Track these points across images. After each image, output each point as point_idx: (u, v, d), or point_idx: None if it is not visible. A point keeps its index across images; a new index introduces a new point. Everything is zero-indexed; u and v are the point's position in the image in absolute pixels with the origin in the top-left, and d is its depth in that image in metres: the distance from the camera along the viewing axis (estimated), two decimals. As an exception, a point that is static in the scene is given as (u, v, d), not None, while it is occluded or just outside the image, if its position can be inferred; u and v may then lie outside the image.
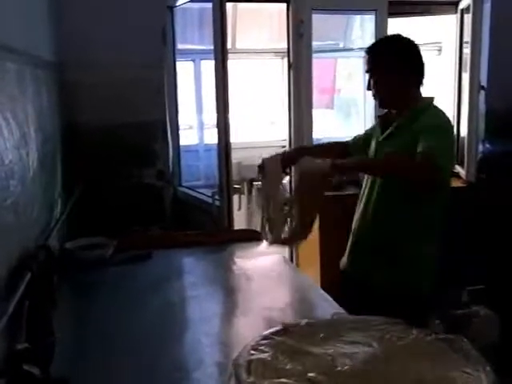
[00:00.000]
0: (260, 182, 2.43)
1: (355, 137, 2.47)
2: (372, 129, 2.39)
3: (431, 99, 2.13)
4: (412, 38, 2.13)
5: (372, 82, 2.13)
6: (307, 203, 1.96)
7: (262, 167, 2.32)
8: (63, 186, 2.73)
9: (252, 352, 1.33)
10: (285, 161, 2.33)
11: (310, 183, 1.91)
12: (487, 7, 3.57)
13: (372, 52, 2.13)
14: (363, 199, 2.24)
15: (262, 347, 1.36)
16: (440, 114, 2.09)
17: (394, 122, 2.14)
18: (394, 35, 2.18)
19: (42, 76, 2.47)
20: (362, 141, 2.38)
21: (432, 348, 1.36)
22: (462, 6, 3.70)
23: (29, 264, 1.51)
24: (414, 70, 2.09)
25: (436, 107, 2.12)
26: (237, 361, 1.30)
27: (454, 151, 2.02)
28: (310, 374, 1.24)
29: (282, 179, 2.38)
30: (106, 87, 3.09)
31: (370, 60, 2.12)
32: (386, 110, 2.24)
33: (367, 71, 2.14)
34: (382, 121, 2.23)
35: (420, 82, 2.12)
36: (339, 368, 1.26)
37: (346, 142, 2.51)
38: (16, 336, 1.27)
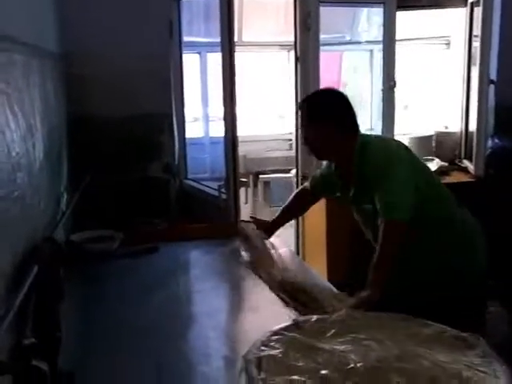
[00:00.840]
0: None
1: (313, 179, 2.39)
2: (326, 170, 2.28)
3: (360, 137, 2.08)
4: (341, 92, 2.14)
5: (304, 136, 2.11)
6: None
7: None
8: (69, 178, 2.72)
9: (262, 348, 1.31)
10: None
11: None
12: (497, 0, 3.53)
13: (306, 105, 2.10)
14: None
15: (272, 343, 1.34)
16: (380, 143, 2.08)
17: (350, 173, 2.08)
18: (327, 89, 2.23)
19: (49, 68, 2.46)
20: (322, 182, 2.31)
21: (446, 345, 1.34)
22: (471, -1, 3.67)
23: (35, 257, 1.49)
24: (344, 122, 2.05)
25: (374, 139, 2.11)
26: (247, 357, 1.28)
27: (408, 180, 1.96)
28: (323, 372, 1.22)
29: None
30: (112, 79, 3.06)
31: (303, 112, 2.09)
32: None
33: (302, 125, 2.13)
34: (337, 172, 2.17)
35: (352, 130, 2.07)
36: (352, 365, 1.24)
37: (306, 189, 2.43)
38: (23, 330, 1.25)
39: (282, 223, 2.47)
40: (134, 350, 1.60)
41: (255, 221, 2.46)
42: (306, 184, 2.44)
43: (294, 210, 2.55)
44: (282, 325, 1.42)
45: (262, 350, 1.30)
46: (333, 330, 1.40)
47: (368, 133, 3.84)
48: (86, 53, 2.99)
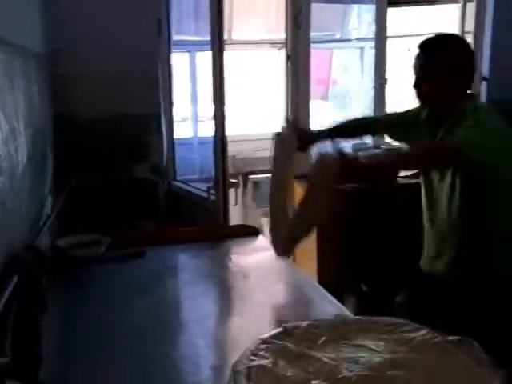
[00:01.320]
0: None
1: (388, 115, 2.34)
2: (411, 114, 2.21)
3: (474, 101, 2.01)
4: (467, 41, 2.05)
5: (418, 80, 2.00)
6: (316, 198, 1.84)
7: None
8: (54, 181, 2.67)
9: (252, 358, 1.27)
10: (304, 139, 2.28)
11: (323, 178, 1.80)
12: (490, -3, 3.53)
13: (427, 51, 1.98)
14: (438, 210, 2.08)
15: (261, 352, 1.29)
16: (483, 116, 1.93)
17: (440, 126, 2.01)
18: (452, 36, 2.08)
19: (33, 68, 2.41)
20: (401, 118, 2.26)
21: (439, 350, 1.30)
22: (465, -5, 3.64)
23: (16, 265, 1.44)
24: (466, 78, 1.99)
25: (483, 109, 2.00)
26: (236, 367, 1.24)
27: (494, 141, 1.86)
28: (314, 382, 1.17)
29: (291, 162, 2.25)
30: (98, 79, 3.02)
31: (423, 59, 1.98)
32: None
33: (415, 67, 2.00)
34: (429, 122, 2.09)
35: (467, 89, 2.01)
36: (344, 374, 1.20)
37: (370, 118, 2.39)
38: (2, 346, 1.20)
39: (327, 136, 2.35)
40: (121, 357, 1.55)
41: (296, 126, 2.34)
42: (370, 117, 2.36)
43: (354, 128, 2.44)
44: (272, 332, 1.38)
45: (252, 360, 1.26)
46: (324, 337, 1.36)
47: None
48: (71, 52, 2.95)
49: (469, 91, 2.01)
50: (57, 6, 2.86)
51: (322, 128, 2.36)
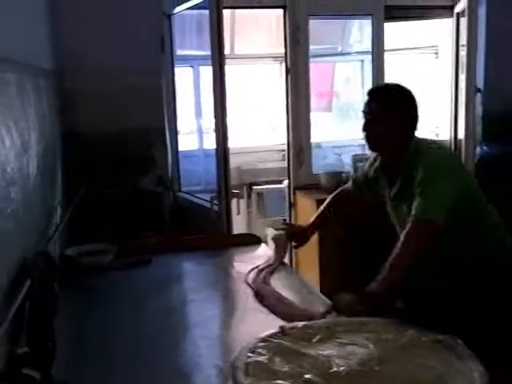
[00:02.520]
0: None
1: (355, 179, 2.48)
2: (368, 169, 2.36)
3: (421, 139, 2.13)
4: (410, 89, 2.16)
5: (367, 124, 2.13)
6: None
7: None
8: (64, 192, 2.76)
9: (249, 354, 1.36)
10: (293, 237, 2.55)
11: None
12: (482, 11, 3.61)
13: (375, 97, 2.14)
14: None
15: (259, 350, 1.38)
16: (433, 151, 2.08)
17: (396, 173, 2.13)
18: (397, 84, 2.20)
19: (43, 85, 2.50)
20: (365, 179, 2.39)
21: (427, 348, 1.38)
22: (457, 9, 3.73)
23: (28, 271, 1.53)
24: (411, 121, 2.11)
25: (429, 144, 2.12)
26: (234, 363, 1.33)
27: (453, 187, 1.98)
28: (307, 376, 1.26)
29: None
30: (104, 94, 3.12)
31: (372, 105, 2.12)
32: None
33: (365, 112, 2.14)
34: (383, 168, 2.23)
35: (413, 133, 2.13)
36: (335, 369, 1.28)
37: (346, 189, 2.54)
38: (17, 341, 1.29)
39: (319, 226, 2.57)
40: (128, 360, 1.63)
41: (289, 227, 2.57)
42: (345, 186, 2.54)
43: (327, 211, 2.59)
44: (269, 332, 1.47)
45: (249, 357, 1.35)
46: (318, 336, 1.45)
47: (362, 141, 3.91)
48: (78, 69, 3.05)
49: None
50: (64, 25, 2.96)
51: (309, 222, 2.56)
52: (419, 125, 2.12)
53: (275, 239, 2.57)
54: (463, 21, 3.55)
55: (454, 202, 1.93)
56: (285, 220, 4.16)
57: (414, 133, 2.12)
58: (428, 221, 1.90)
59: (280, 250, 2.51)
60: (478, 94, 3.67)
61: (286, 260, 3.88)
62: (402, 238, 1.91)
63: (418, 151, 2.06)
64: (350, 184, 2.52)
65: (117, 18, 3.11)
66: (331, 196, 2.58)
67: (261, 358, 1.34)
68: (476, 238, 2.09)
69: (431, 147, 2.10)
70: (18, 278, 1.55)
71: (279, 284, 2.26)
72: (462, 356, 1.31)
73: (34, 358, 1.18)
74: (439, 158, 2.05)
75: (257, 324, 1.84)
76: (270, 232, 2.57)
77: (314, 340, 1.43)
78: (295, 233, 2.59)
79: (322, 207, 2.57)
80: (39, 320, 1.37)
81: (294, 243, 2.63)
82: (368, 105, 2.14)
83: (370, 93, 2.16)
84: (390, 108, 2.09)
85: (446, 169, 2.01)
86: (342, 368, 1.27)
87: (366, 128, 2.14)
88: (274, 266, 2.40)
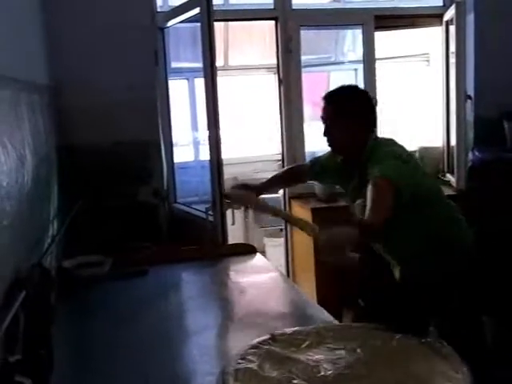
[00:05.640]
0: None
1: (312, 165, 2.50)
2: (327, 159, 2.40)
3: (381, 138, 2.20)
4: (365, 90, 2.24)
5: (327, 129, 2.19)
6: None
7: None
8: (60, 205, 2.79)
9: (239, 361, 1.39)
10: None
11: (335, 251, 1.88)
12: (470, 18, 3.65)
13: (331, 101, 2.18)
14: None
15: (249, 356, 1.41)
16: (389, 145, 2.14)
17: (355, 167, 2.19)
18: (350, 86, 2.27)
19: (38, 100, 2.54)
20: (321, 170, 2.44)
21: (414, 352, 1.41)
22: (446, 18, 3.77)
23: (23, 283, 1.56)
24: (369, 121, 2.17)
25: (386, 141, 2.18)
26: (225, 369, 1.36)
27: (408, 164, 2.06)
28: (295, 381, 1.29)
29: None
30: (99, 108, 3.15)
31: (325, 108, 2.18)
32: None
33: (322, 117, 2.20)
34: (344, 162, 2.28)
35: (371, 131, 2.18)
36: (323, 373, 1.31)
37: (304, 167, 2.58)
38: (12, 351, 1.32)
39: (270, 187, 2.64)
40: (124, 369, 1.66)
41: (243, 186, 2.57)
42: (305, 163, 2.58)
43: (285, 179, 2.70)
44: (259, 338, 1.50)
45: (239, 363, 1.38)
46: (307, 342, 1.48)
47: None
48: (73, 84, 3.08)
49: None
50: (59, 41, 3.00)
51: (263, 181, 2.64)
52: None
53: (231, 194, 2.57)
54: (452, 28, 3.60)
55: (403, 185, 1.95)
56: (281, 230, 4.19)
57: (372, 133, 2.17)
58: (385, 178, 1.92)
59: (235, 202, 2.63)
60: (469, 101, 3.70)
61: (283, 268, 3.95)
62: (368, 198, 1.92)
63: (374, 148, 2.11)
64: (307, 164, 2.56)
65: (111, 32, 3.15)
66: (286, 168, 2.66)
67: (250, 365, 1.37)
68: (432, 229, 2.13)
69: (387, 144, 2.15)
70: (12, 289, 1.58)
71: (270, 293, 2.30)
72: (447, 358, 1.34)
73: (27, 366, 1.21)
74: (392, 151, 2.09)
75: (252, 332, 1.86)
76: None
77: (303, 345, 1.46)
78: (249, 188, 2.54)
79: (274, 174, 2.69)
80: (34, 330, 1.40)
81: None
82: (324, 109, 2.19)
83: (325, 97, 2.21)
84: (344, 111, 2.13)
85: (400, 155, 2.05)
86: (329, 372, 1.30)
87: (325, 133, 2.20)
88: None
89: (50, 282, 1.74)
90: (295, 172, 2.65)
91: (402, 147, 2.18)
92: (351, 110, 2.14)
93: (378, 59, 3.89)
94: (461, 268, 2.14)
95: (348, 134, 2.14)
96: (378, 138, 2.20)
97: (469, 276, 2.19)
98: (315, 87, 5.70)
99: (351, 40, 5.45)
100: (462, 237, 2.21)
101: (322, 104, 2.21)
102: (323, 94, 2.22)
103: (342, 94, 2.21)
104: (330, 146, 2.23)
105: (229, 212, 3.12)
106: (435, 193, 2.24)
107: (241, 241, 4.48)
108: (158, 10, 3.43)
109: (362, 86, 3.93)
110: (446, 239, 2.15)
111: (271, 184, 2.63)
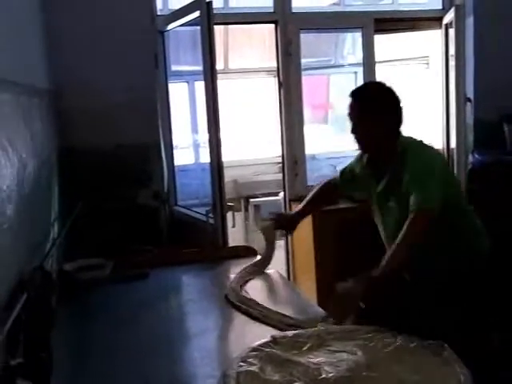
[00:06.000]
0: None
1: (342, 174, 2.50)
2: (355, 165, 2.41)
3: (409, 138, 2.19)
4: (391, 86, 2.20)
5: (355, 126, 2.18)
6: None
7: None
8: (60, 208, 2.79)
9: (241, 364, 1.39)
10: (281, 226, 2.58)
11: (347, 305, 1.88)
12: (470, 21, 3.66)
13: (358, 98, 2.17)
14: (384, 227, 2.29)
15: (250, 359, 1.41)
16: (421, 150, 2.14)
17: (384, 169, 2.19)
18: (377, 82, 2.27)
19: (38, 103, 2.55)
20: (351, 177, 2.44)
21: (414, 354, 1.41)
22: (445, 21, 3.78)
23: (24, 285, 1.57)
24: (397, 117, 2.17)
25: (417, 143, 2.18)
26: (226, 372, 1.36)
27: (441, 177, 2.08)
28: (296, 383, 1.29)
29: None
30: (99, 111, 3.16)
31: (356, 105, 2.16)
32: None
33: (350, 115, 2.19)
34: (371, 165, 2.28)
35: (399, 128, 2.18)
36: (324, 376, 1.31)
37: (334, 181, 2.55)
38: (13, 353, 1.32)
39: (307, 213, 2.62)
40: (125, 372, 1.66)
41: (277, 217, 2.59)
42: (333, 179, 2.55)
43: (319, 201, 2.63)
44: (261, 341, 1.50)
45: (241, 366, 1.38)
46: (309, 344, 1.48)
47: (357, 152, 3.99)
48: (73, 87, 3.09)
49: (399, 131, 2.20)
50: (59, 45, 3.01)
51: (297, 209, 2.61)
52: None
53: (263, 229, 2.58)
54: (452, 31, 3.61)
55: (443, 195, 2.00)
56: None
57: (399, 130, 2.17)
58: (429, 209, 1.97)
59: (270, 240, 2.56)
60: (469, 104, 3.71)
61: (284, 269, 3.94)
62: (404, 229, 1.95)
63: (407, 149, 2.11)
64: (335, 177, 2.55)
65: (111, 35, 3.16)
66: (319, 186, 2.60)
67: (252, 367, 1.37)
68: (455, 231, 2.16)
69: (419, 145, 2.16)
70: (14, 292, 1.58)
71: (271, 295, 2.30)
72: (449, 361, 1.35)
73: (28, 369, 1.21)
74: (429, 156, 2.12)
75: (252, 335, 1.86)
76: (259, 224, 2.64)
77: (305, 348, 1.47)
78: (283, 220, 2.60)
79: (309, 195, 2.60)
80: (35, 333, 1.40)
81: (283, 231, 2.71)
82: (351, 106, 2.18)
83: (352, 94, 2.19)
84: (371, 108, 2.12)
85: (435, 166, 2.08)
86: (330, 375, 1.30)
87: (353, 130, 2.18)
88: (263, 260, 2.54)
89: (51, 285, 1.75)
90: (325, 192, 2.59)
91: (433, 149, 2.19)
92: (378, 106, 2.13)
93: (378, 62, 3.90)
94: (474, 268, 2.16)
95: (375, 132, 2.13)
96: (405, 137, 2.19)
97: (481, 278, 2.20)
98: (315, 90, 5.73)
99: (351, 43, 5.46)
100: (477, 239, 2.25)
101: (348, 101, 2.19)
102: (350, 91, 2.21)
103: (369, 91, 2.22)
104: (357, 143, 2.21)
105: (229, 214, 3.13)
106: (459, 197, 2.27)
107: (241, 243, 4.48)
108: (158, 13, 3.44)
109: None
110: (461, 241, 2.18)
111: (308, 209, 2.60)
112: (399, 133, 2.17)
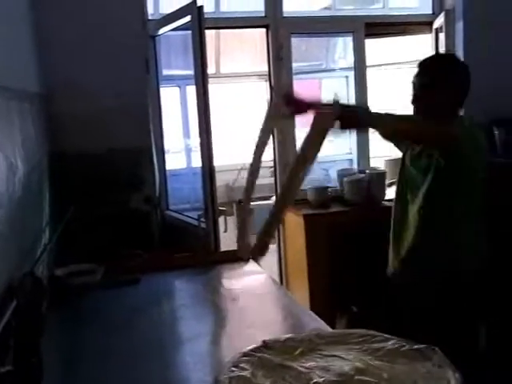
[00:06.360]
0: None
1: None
2: None
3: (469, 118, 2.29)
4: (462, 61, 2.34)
5: (420, 94, 2.21)
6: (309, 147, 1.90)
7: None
8: (51, 213, 2.78)
9: (233, 369, 1.38)
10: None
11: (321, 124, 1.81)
12: (459, 26, 3.69)
13: (431, 67, 2.25)
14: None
15: (242, 364, 1.41)
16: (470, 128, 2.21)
17: None
18: (450, 54, 2.30)
19: (28, 108, 2.54)
20: None
21: (406, 358, 1.41)
22: (436, 25, 3.81)
23: (14, 291, 1.56)
24: (465, 89, 2.24)
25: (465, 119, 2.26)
26: (218, 378, 1.35)
27: (481, 149, 2.21)
28: (288, 388, 1.29)
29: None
30: (91, 115, 3.16)
31: (428, 73, 2.22)
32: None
33: (415, 83, 2.24)
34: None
35: (463, 101, 2.27)
36: (315, 380, 1.31)
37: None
38: (2, 359, 1.31)
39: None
40: (117, 377, 1.65)
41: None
42: None
43: None
44: (252, 345, 1.49)
45: (232, 371, 1.38)
46: (300, 349, 1.48)
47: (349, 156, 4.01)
48: (64, 92, 3.08)
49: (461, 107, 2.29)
50: (50, 49, 3.01)
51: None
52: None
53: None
54: (442, 36, 3.63)
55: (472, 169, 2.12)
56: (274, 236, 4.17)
57: (463, 102, 2.25)
58: (455, 135, 2.05)
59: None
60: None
61: (276, 274, 3.94)
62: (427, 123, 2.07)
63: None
64: None
65: (102, 40, 3.16)
66: None
67: (243, 373, 1.36)
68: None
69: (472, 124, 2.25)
70: (4, 298, 1.57)
71: (263, 300, 2.30)
72: (440, 365, 1.35)
73: (18, 376, 1.20)
74: (477, 134, 2.21)
75: (245, 339, 1.86)
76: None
77: (296, 353, 1.46)
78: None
79: None
80: (25, 339, 1.39)
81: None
82: (418, 77, 2.23)
83: (421, 64, 2.27)
84: (441, 78, 2.19)
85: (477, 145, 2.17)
86: (322, 379, 1.30)
87: (415, 99, 2.23)
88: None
89: (42, 291, 1.74)
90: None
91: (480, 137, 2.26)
92: (446, 77, 2.19)
93: (369, 66, 3.92)
94: (473, 269, 2.18)
95: (440, 101, 2.18)
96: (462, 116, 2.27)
97: (476, 279, 2.21)
98: (308, 94, 5.72)
99: (342, 47, 5.48)
100: (477, 240, 2.29)
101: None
102: (420, 61, 2.30)
103: (439, 62, 2.31)
104: (417, 113, 2.25)
105: (221, 219, 3.12)
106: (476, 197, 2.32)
107: (233, 248, 4.46)
108: (149, 17, 3.44)
109: (352, 93, 3.97)
110: (461, 241, 2.23)
111: None
112: (459, 109, 2.25)
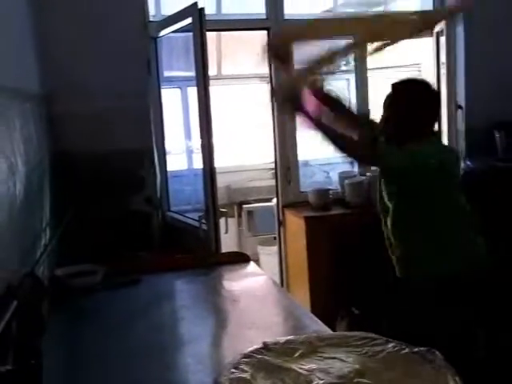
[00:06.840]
0: None
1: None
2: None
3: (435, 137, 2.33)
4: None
5: (390, 116, 2.28)
6: None
7: None
8: (52, 213, 2.78)
9: (233, 370, 1.39)
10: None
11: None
12: (460, 30, 3.70)
13: (401, 90, 2.29)
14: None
15: (242, 366, 1.41)
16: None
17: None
18: (417, 78, 2.42)
19: (30, 108, 2.54)
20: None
21: (406, 361, 1.41)
22: (437, 29, 3.81)
23: (15, 292, 1.56)
24: (434, 111, 2.31)
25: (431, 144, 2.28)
26: (218, 379, 1.35)
27: (430, 165, 2.18)
28: (288, 391, 1.29)
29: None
30: (92, 116, 3.16)
31: (398, 97, 2.28)
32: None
33: (388, 105, 2.30)
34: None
35: (434, 123, 2.33)
36: (315, 382, 1.31)
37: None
38: (2, 360, 1.31)
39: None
40: (118, 378, 1.65)
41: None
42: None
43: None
44: (252, 347, 1.50)
45: (232, 373, 1.38)
46: (300, 351, 1.48)
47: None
48: (66, 92, 3.09)
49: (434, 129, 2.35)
50: (51, 50, 3.01)
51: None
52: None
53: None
54: (443, 39, 3.64)
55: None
56: (275, 238, 4.18)
57: (434, 124, 2.32)
58: (382, 159, 2.16)
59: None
60: (460, 111, 3.73)
61: (277, 277, 3.94)
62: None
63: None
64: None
65: (103, 41, 3.17)
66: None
67: (244, 374, 1.37)
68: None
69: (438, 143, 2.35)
70: (4, 298, 1.57)
71: (264, 301, 2.30)
72: (440, 367, 1.35)
73: (18, 376, 1.20)
74: (433, 152, 2.23)
75: (245, 341, 1.86)
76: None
77: (296, 355, 1.46)
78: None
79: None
80: (25, 339, 1.39)
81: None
82: (389, 99, 2.29)
83: (393, 87, 2.30)
84: (410, 100, 2.23)
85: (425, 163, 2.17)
86: (322, 381, 1.31)
87: (386, 120, 2.29)
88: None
89: (42, 292, 1.74)
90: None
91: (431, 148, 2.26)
92: (415, 100, 2.23)
93: (370, 69, 3.92)
94: (472, 271, 2.20)
95: (409, 124, 2.23)
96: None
97: (477, 284, 2.22)
98: (309, 96, 5.71)
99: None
100: (476, 243, 2.32)
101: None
102: (392, 83, 2.33)
103: (408, 85, 2.33)
104: (387, 134, 2.30)
105: (222, 220, 3.13)
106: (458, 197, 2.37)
107: (234, 249, 4.48)
108: (152, 19, 3.45)
109: (353, 96, 3.97)
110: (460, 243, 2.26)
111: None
112: (431, 130, 2.29)
